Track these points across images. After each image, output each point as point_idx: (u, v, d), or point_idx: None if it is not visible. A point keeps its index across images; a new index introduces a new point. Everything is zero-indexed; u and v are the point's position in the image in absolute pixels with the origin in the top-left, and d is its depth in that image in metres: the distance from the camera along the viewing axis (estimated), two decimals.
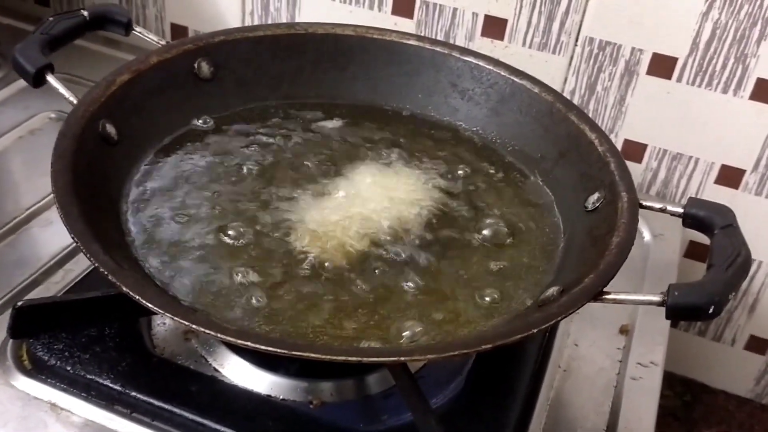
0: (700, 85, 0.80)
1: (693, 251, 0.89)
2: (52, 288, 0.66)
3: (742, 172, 0.83)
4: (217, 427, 0.56)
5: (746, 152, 0.82)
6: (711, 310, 0.50)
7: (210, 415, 0.56)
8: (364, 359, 0.47)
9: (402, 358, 0.48)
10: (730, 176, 0.84)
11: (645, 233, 0.80)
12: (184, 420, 0.56)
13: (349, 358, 0.47)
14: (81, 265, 0.67)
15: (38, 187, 0.74)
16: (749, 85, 0.79)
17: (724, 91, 0.80)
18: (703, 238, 0.85)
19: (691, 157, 0.84)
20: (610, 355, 0.68)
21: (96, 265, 0.49)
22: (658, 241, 0.80)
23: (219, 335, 0.47)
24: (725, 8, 0.76)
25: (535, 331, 0.49)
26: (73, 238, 0.51)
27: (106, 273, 0.49)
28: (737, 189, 0.84)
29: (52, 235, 0.70)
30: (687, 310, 0.51)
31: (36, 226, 0.71)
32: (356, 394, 0.60)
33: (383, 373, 0.60)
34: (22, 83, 0.78)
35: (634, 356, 0.67)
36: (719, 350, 0.94)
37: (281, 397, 0.59)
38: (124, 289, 0.48)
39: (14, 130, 0.82)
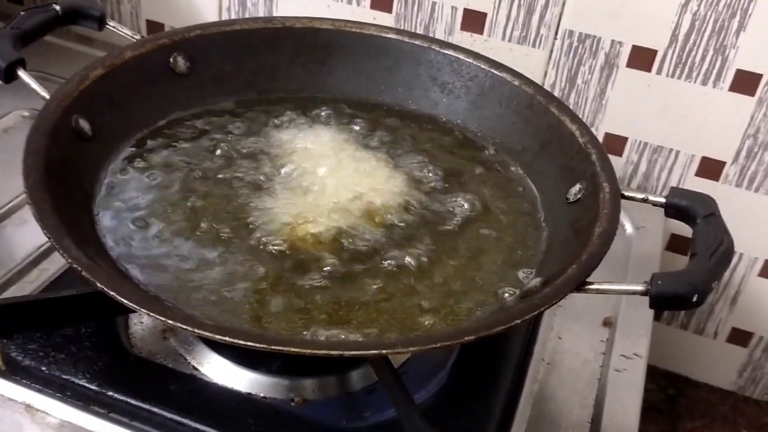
0: (679, 77, 0.80)
1: (675, 244, 0.89)
2: (26, 287, 0.64)
3: (722, 163, 0.83)
4: (197, 426, 0.55)
5: (726, 144, 0.82)
6: (695, 299, 0.50)
7: (189, 414, 0.55)
8: (346, 353, 0.46)
9: (384, 351, 0.47)
10: (710, 168, 0.84)
11: (627, 226, 0.80)
12: (163, 419, 0.55)
13: (331, 352, 0.46)
14: (56, 264, 0.66)
15: (12, 186, 0.72)
16: (729, 77, 0.79)
17: (704, 83, 0.80)
18: (684, 231, 0.85)
19: (671, 149, 0.84)
20: (594, 348, 0.67)
21: (69, 261, 0.48)
22: (640, 233, 0.80)
23: (196, 330, 0.46)
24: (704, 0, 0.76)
25: (518, 322, 0.48)
26: (45, 233, 0.50)
27: (79, 269, 0.48)
28: (718, 181, 0.84)
29: (27, 233, 0.69)
30: (671, 299, 0.51)
31: (10, 225, 0.70)
32: (338, 390, 0.60)
33: (366, 368, 0.60)
34: None
35: (618, 348, 0.67)
36: (702, 343, 0.94)
37: (262, 395, 0.58)
38: (99, 285, 0.47)
39: None
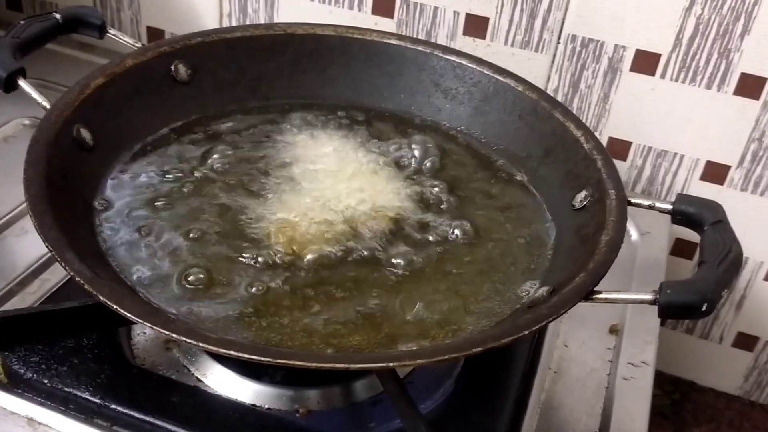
0: (683, 81, 0.80)
1: (679, 248, 0.88)
2: (27, 299, 0.64)
3: (727, 168, 0.83)
4: None
5: (731, 148, 0.82)
6: (704, 308, 0.49)
7: (193, 426, 0.55)
8: (352, 366, 0.46)
9: (391, 364, 0.46)
10: (715, 172, 0.83)
11: (632, 231, 0.80)
12: None
13: (336, 365, 0.45)
14: (57, 274, 0.65)
15: (12, 196, 0.72)
16: (733, 81, 0.78)
17: (708, 86, 0.79)
18: (689, 235, 0.85)
19: (675, 153, 0.84)
20: (601, 356, 0.67)
21: (71, 274, 0.48)
22: (646, 239, 0.79)
23: (200, 344, 0.45)
24: (708, 3, 0.75)
25: (526, 333, 0.48)
26: (47, 246, 0.49)
27: (81, 282, 0.47)
28: (723, 185, 0.84)
29: (28, 244, 0.68)
30: (680, 309, 0.50)
31: (10, 235, 0.70)
32: (344, 401, 0.59)
33: (371, 379, 0.59)
34: None
35: (625, 356, 0.66)
36: (707, 348, 0.93)
37: (266, 406, 0.58)
38: (101, 298, 0.47)
39: None
